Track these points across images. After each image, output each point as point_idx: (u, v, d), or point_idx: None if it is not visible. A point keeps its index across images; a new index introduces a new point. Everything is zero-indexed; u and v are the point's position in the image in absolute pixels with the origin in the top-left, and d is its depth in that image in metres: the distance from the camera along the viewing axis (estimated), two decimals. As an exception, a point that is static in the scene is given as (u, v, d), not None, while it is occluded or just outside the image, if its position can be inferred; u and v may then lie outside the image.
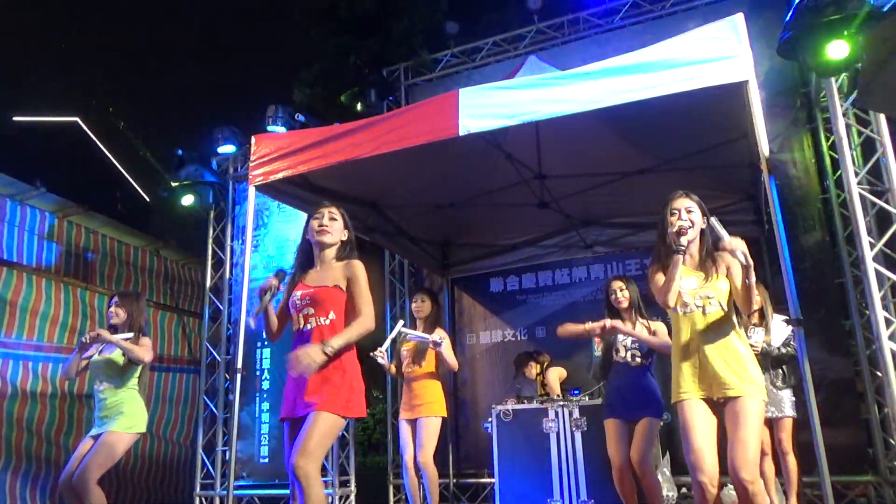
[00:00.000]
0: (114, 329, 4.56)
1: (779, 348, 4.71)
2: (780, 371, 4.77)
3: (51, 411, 6.78)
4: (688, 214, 3.11)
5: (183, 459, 8.40)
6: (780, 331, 4.80)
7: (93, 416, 4.54)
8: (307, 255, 3.22)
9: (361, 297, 3.03)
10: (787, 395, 4.72)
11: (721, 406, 2.97)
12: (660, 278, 3.13)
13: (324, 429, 2.84)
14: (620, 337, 4.36)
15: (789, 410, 4.69)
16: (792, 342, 4.58)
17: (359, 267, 3.09)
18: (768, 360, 4.70)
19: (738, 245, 2.87)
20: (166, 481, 8.22)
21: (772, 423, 4.74)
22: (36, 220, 7.18)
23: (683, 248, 3.04)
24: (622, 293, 4.39)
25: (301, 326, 3.03)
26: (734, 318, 3.05)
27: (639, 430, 4.23)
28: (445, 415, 5.02)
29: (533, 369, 6.15)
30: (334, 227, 3.16)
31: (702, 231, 3.15)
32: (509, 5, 8.26)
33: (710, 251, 3.14)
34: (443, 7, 8.67)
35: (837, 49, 4.86)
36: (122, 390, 4.44)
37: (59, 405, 6.86)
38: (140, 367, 4.54)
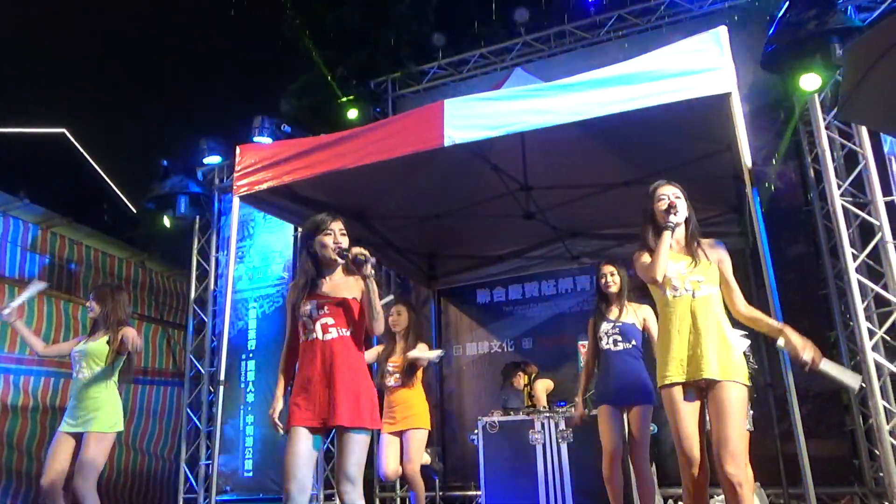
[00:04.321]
0: (94, 323, 4.51)
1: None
2: None
3: (32, 425, 6.68)
4: (675, 199, 3.19)
5: (166, 473, 8.29)
6: (737, 345, 4.80)
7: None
8: (317, 267, 3.20)
9: None
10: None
11: (705, 389, 2.98)
12: (646, 258, 3.18)
13: (362, 450, 3.00)
14: (603, 325, 4.36)
15: (748, 424, 4.65)
16: (752, 358, 4.56)
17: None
18: None
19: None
20: (149, 495, 8.11)
21: None
22: (19, 231, 7.11)
23: (672, 224, 3.11)
24: (612, 278, 4.42)
25: (318, 336, 3.05)
26: (722, 304, 3.10)
27: (632, 423, 4.22)
28: (430, 427, 4.96)
29: (521, 380, 6.13)
30: (344, 242, 3.18)
31: (686, 219, 3.22)
32: (496, 18, 8.31)
33: (696, 238, 3.20)
34: (430, 19, 8.71)
35: (810, 81, 4.98)
36: (103, 383, 4.35)
37: (41, 419, 6.77)
38: (124, 360, 4.47)
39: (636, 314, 4.38)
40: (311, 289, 3.16)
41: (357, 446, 2.97)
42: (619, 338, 4.31)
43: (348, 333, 3.08)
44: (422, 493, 4.83)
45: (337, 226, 3.18)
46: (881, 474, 5.14)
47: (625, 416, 4.38)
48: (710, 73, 3.58)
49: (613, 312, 4.40)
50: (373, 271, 3.01)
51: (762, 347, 5.40)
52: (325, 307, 3.08)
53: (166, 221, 7.78)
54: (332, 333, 3.05)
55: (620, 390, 4.24)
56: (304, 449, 2.95)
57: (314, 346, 3.06)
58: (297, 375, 3.12)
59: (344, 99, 7.88)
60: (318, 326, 3.06)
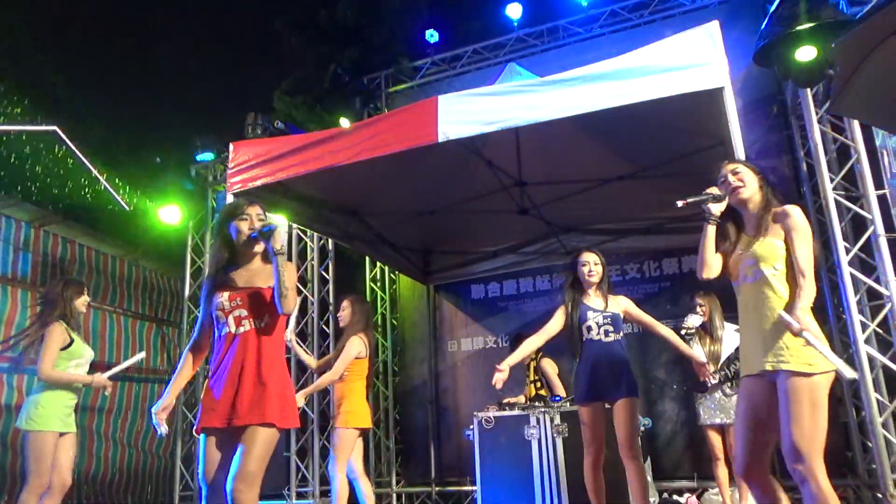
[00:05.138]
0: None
1: (730, 358, 4.77)
2: (731, 379, 4.80)
3: (26, 424, 6.65)
4: (733, 177, 3.03)
5: (161, 471, 8.28)
6: (731, 339, 4.81)
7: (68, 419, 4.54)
8: (233, 256, 3.01)
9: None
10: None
11: (773, 379, 2.73)
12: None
13: (264, 447, 2.72)
14: (590, 314, 4.17)
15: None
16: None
17: (291, 269, 2.94)
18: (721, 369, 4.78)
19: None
20: (145, 493, 8.10)
21: (724, 430, 4.84)
22: (11, 229, 7.06)
23: (710, 215, 2.94)
24: (596, 267, 4.20)
25: (231, 329, 2.85)
26: (785, 284, 2.78)
27: (619, 415, 4.02)
28: (363, 426, 4.76)
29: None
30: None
31: (759, 192, 3.01)
32: (490, 14, 8.30)
33: (766, 212, 2.96)
34: (423, 15, 8.70)
35: (805, 53, 4.97)
36: None
37: (35, 418, 6.74)
38: None
39: (618, 304, 4.24)
40: (225, 280, 2.94)
41: (258, 441, 2.69)
42: (611, 328, 4.14)
43: (263, 325, 2.85)
44: (338, 494, 4.64)
45: (254, 210, 2.97)
46: (874, 466, 5.16)
47: (608, 411, 4.19)
48: (702, 68, 3.60)
49: (598, 302, 4.21)
50: (283, 248, 2.82)
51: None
52: (239, 298, 2.86)
53: (160, 219, 7.76)
54: (246, 326, 2.84)
55: (607, 381, 4.07)
56: (213, 455, 2.78)
57: (226, 341, 2.85)
58: (210, 374, 2.88)
59: (337, 97, 7.87)
60: (230, 319, 2.85)
